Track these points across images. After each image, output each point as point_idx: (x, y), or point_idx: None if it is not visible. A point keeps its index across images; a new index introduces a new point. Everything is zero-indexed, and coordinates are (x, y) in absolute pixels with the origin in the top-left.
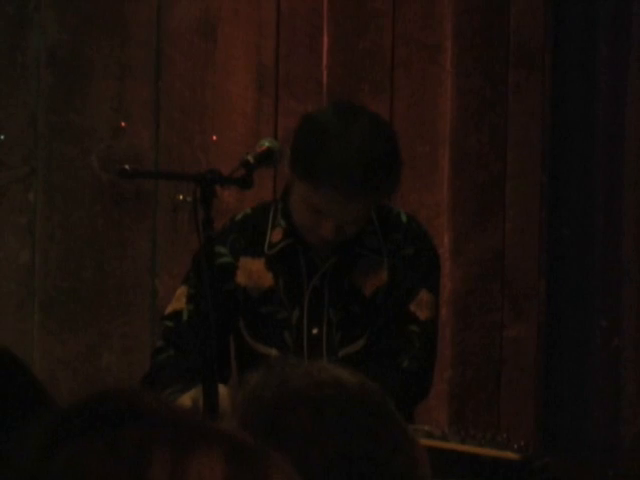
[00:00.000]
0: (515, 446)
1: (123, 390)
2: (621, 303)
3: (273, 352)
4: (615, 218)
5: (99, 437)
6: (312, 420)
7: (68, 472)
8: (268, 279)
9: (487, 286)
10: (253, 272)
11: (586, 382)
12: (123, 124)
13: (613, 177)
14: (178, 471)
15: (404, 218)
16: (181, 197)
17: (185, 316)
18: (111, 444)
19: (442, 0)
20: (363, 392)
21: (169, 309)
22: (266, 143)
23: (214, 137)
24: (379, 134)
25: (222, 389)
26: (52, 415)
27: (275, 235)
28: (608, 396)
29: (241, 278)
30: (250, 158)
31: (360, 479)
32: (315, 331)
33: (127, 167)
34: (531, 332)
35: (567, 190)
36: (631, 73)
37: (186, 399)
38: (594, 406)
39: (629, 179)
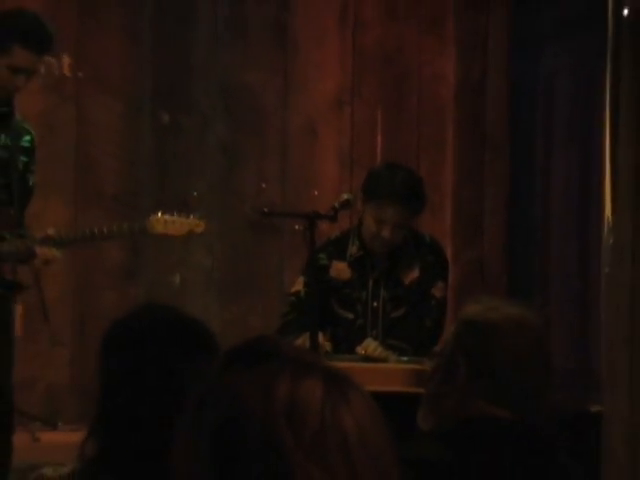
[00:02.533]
0: None
1: (268, 338)
2: (549, 287)
3: (349, 315)
4: (550, 238)
5: (250, 368)
6: (466, 332)
7: (228, 390)
8: (348, 273)
9: (472, 280)
10: (340, 269)
11: None
12: (263, 185)
13: (546, 215)
14: (293, 390)
15: (427, 238)
16: (297, 227)
17: (302, 294)
18: (255, 373)
19: (446, 121)
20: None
21: (293, 289)
22: (345, 196)
23: (315, 192)
24: (412, 172)
25: (320, 336)
26: (223, 353)
27: (353, 249)
28: None
29: (332, 272)
30: (336, 204)
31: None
32: (375, 304)
33: (266, 210)
34: None
35: (520, 223)
36: (555, 153)
37: (300, 340)
38: None
39: (556, 214)
